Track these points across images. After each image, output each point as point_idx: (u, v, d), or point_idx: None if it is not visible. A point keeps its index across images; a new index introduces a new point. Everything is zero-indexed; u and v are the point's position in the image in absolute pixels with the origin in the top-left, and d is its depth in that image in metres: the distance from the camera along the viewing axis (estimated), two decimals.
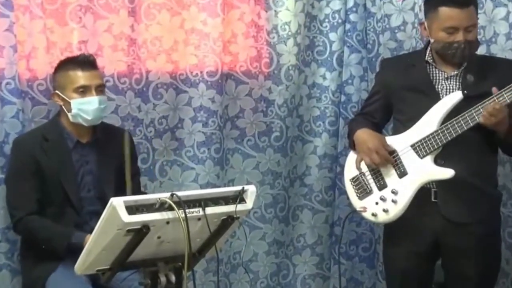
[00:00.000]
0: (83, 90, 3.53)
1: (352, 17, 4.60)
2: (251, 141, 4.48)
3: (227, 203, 2.93)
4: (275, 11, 4.43)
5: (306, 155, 4.66)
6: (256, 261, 4.59)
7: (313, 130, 4.65)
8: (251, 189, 2.99)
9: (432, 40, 3.59)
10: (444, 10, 3.51)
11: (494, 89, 3.37)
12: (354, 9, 4.60)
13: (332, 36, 4.58)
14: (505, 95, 3.35)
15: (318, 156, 4.64)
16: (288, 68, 4.47)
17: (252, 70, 4.42)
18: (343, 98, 4.65)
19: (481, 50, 4.13)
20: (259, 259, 4.59)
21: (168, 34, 4.17)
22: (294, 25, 4.45)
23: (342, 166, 4.53)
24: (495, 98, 3.35)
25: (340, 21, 4.57)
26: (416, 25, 4.37)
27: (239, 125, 4.44)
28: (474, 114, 3.39)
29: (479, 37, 4.11)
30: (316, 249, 4.71)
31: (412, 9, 4.40)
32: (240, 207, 2.94)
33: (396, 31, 4.44)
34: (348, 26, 4.61)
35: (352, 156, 3.77)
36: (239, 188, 2.98)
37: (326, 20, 4.58)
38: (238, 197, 2.95)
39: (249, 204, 2.99)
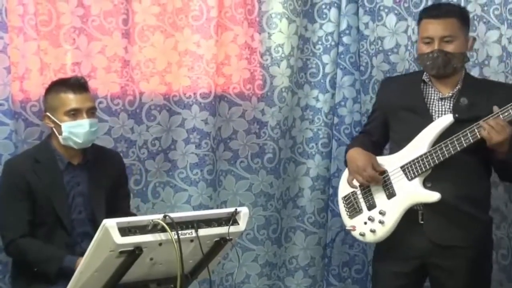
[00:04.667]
0: (74, 113, 3.51)
1: (345, 39, 4.62)
2: (244, 162, 4.48)
3: (219, 225, 2.94)
4: (269, 33, 4.44)
5: (299, 177, 4.66)
6: (248, 283, 4.57)
7: (306, 152, 4.65)
8: (243, 211, 3.00)
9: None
10: (423, 22, 3.59)
11: (495, 108, 3.35)
12: (347, 31, 4.61)
13: (325, 58, 4.59)
14: (510, 111, 3.32)
15: (311, 178, 4.64)
16: (281, 90, 4.48)
17: (245, 92, 4.43)
18: (336, 120, 4.65)
19: (473, 73, 4.16)
20: (251, 281, 4.58)
21: (162, 55, 4.18)
22: (287, 47, 4.46)
23: (335, 188, 4.56)
24: (499, 114, 3.32)
25: (333, 43, 4.59)
26: (409, 47, 4.40)
27: (232, 147, 4.44)
28: (462, 138, 3.38)
29: (472, 59, 4.15)
30: (308, 271, 4.70)
31: (405, 31, 4.42)
32: (233, 228, 2.95)
33: (389, 53, 4.45)
34: (341, 48, 4.63)
35: (345, 175, 3.78)
36: (231, 209, 2.99)
37: (319, 42, 4.60)
38: (231, 219, 2.95)
39: (241, 225, 3.00)
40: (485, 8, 4.17)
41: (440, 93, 3.59)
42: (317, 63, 4.61)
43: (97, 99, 3.96)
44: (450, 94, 3.57)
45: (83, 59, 3.97)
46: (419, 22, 3.64)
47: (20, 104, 3.82)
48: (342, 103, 4.64)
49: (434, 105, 3.59)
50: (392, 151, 3.70)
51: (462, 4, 4.17)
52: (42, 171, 3.53)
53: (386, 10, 4.44)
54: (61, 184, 3.56)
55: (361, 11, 4.57)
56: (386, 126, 3.78)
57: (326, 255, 4.76)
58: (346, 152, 3.82)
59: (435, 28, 3.51)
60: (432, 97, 3.61)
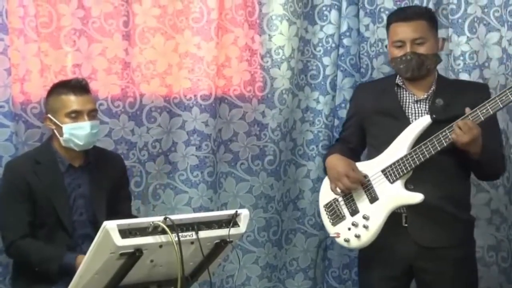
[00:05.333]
0: (75, 115, 3.52)
1: (345, 41, 4.61)
2: (245, 164, 4.48)
3: (220, 227, 2.94)
4: (269, 35, 4.45)
5: (299, 179, 4.66)
6: (249, 285, 4.57)
7: (306, 154, 4.65)
8: (244, 213, 3.00)
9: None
10: (392, 26, 3.62)
11: (467, 109, 3.36)
12: (347, 33, 4.61)
13: (326, 60, 4.59)
14: (479, 113, 3.34)
15: (311, 179, 4.64)
16: (281, 92, 4.48)
17: (246, 94, 4.43)
18: (336, 122, 4.65)
19: (473, 75, 4.16)
20: (252, 283, 4.57)
21: (162, 57, 4.18)
22: (288, 49, 4.46)
23: None
24: (469, 117, 3.34)
25: (333, 45, 4.59)
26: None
27: (233, 149, 4.44)
28: (442, 138, 3.39)
29: (472, 61, 4.16)
30: (309, 273, 4.69)
31: None
32: (233, 230, 2.95)
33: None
34: (341, 50, 4.62)
35: (326, 183, 3.77)
36: (232, 211, 2.98)
37: (320, 44, 4.60)
38: (231, 221, 2.95)
39: (242, 227, 2.99)
40: (486, 10, 4.17)
41: (415, 96, 3.61)
42: (318, 65, 4.61)
43: (98, 101, 3.96)
44: (425, 96, 3.59)
45: (84, 61, 3.97)
46: (388, 27, 3.67)
47: (20, 106, 3.82)
48: (343, 105, 4.63)
49: (410, 108, 3.61)
50: (371, 156, 3.70)
51: (463, 6, 4.19)
52: (42, 172, 3.54)
53: (387, 12, 4.42)
54: (62, 185, 3.56)
55: (361, 13, 4.58)
56: (362, 132, 3.79)
57: (326, 257, 4.76)
58: (324, 160, 3.82)
59: (405, 31, 3.54)
60: (408, 100, 3.63)
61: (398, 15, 3.62)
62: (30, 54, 3.81)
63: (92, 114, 3.57)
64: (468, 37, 4.20)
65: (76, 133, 3.51)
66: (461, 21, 4.21)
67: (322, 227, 4.64)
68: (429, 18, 3.62)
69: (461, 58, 4.21)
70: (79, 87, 3.56)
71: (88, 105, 3.56)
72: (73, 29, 3.93)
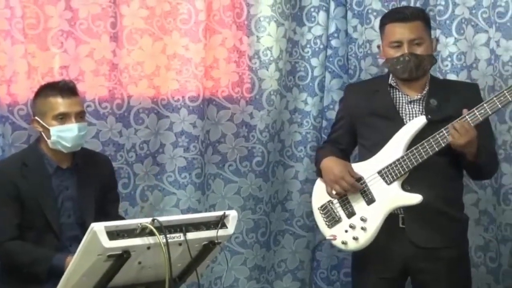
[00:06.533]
0: (63, 117, 3.49)
1: (333, 42, 4.63)
2: (233, 166, 4.48)
3: (208, 228, 2.93)
4: (257, 36, 4.45)
5: (288, 180, 4.66)
6: (237, 287, 4.57)
7: (294, 155, 4.65)
8: (232, 214, 2.99)
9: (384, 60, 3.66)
10: (388, 27, 3.59)
11: (464, 111, 3.37)
12: (335, 34, 4.62)
13: (314, 61, 4.60)
14: (476, 113, 3.35)
15: (300, 181, 4.64)
16: (269, 93, 4.48)
17: (234, 95, 4.43)
18: (324, 123, 4.65)
19: (461, 76, 4.17)
20: (240, 284, 4.57)
21: (150, 59, 4.17)
22: (276, 50, 4.46)
23: None
24: (466, 117, 3.34)
25: (321, 46, 4.59)
26: None
27: (221, 150, 4.44)
28: (439, 139, 3.39)
29: (459, 62, 4.18)
30: (297, 274, 4.70)
31: None
32: (221, 232, 2.94)
33: (378, 56, 4.45)
34: (329, 51, 4.63)
35: (319, 185, 3.74)
36: (220, 213, 2.97)
37: (308, 45, 4.60)
38: (219, 222, 2.94)
39: (230, 229, 2.99)
40: (473, 11, 4.19)
41: (408, 96, 3.60)
42: (306, 66, 4.61)
43: (85, 102, 3.94)
44: (419, 97, 3.59)
45: (71, 62, 3.96)
46: (382, 27, 3.64)
47: (7, 107, 3.81)
48: (331, 106, 4.64)
49: (403, 109, 3.60)
50: (363, 157, 3.68)
51: (450, 8, 4.20)
52: (30, 174, 3.52)
53: (375, 13, 4.44)
54: (50, 188, 3.54)
55: (349, 14, 4.59)
56: (353, 133, 3.77)
57: (315, 258, 4.75)
58: (316, 163, 3.81)
59: (403, 31, 3.52)
60: (401, 101, 3.61)
61: (395, 16, 3.60)
62: (17, 56, 3.80)
63: (79, 116, 3.56)
64: (455, 38, 4.22)
65: (64, 135, 3.50)
66: (449, 22, 4.22)
67: (310, 228, 4.67)
68: (424, 19, 3.61)
69: (449, 59, 4.22)
70: (66, 89, 3.53)
71: (75, 107, 3.54)
72: (61, 30, 3.92)
